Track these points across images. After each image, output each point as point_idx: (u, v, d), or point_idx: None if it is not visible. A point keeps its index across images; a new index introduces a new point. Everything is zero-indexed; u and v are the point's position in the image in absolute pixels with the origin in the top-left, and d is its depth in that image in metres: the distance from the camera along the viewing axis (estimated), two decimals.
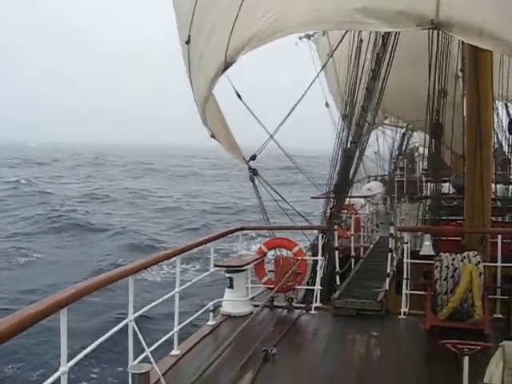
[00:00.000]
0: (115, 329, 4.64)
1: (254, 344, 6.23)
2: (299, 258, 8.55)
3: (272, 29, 6.35)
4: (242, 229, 8.93)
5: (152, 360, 4.95)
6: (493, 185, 10.91)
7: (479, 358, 4.35)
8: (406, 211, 14.54)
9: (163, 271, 20.93)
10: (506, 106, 19.41)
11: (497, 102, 18.99)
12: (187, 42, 8.59)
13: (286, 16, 6.32)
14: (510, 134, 11.44)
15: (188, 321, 6.68)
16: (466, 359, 4.36)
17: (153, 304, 5.67)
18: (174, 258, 6.24)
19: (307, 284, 9.50)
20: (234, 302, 7.94)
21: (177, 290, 6.22)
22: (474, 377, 4.27)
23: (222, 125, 9.49)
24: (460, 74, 15.14)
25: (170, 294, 6.18)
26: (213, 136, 9.57)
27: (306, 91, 10.08)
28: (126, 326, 4.86)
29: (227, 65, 7.14)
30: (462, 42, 13.23)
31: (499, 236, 8.02)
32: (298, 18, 6.29)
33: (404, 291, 7.88)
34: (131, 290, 4.97)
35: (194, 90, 8.86)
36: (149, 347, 5.06)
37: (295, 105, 10.22)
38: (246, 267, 8.12)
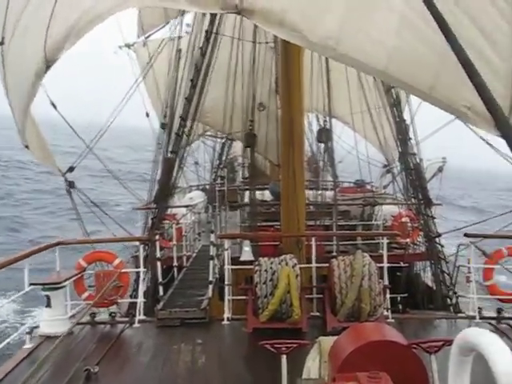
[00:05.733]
0: None
1: (75, 364, 5.91)
2: (120, 270, 8.30)
3: (88, 17, 6.06)
4: (58, 243, 8.40)
5: None
6: (306, 191, 11.59)
7: (298, 356, 4.53)
8: (226, 219, 14.87)
9: None
10: (317, 117, 20.85)
11: (309, 114, 20.46)
12: (1, 44, 7.91)
13: (99, 1, 6.06)
14: (319, 142, 12.32)
15: (0, 346, 6.11)
16: (284, 358, 4.54)
17: None
18: None
19: (130, 297, 9.25)
20: (52, 321, 7.44)
21: None
22: (293, 374, 4.44)
23: (36, 134, 8.86)
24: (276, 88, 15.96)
25: None
26: (27, 146, 8.89)
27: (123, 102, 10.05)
28: None
29: (48, 63, 6.71)
30: (277, 56, 14.01)
31: (313, 238, 8.52)
32: (110, 1, 6.05)
33: (226, 297, 8.02)
34: None
35: (12, 97, 8.17)
36: None
37: (112, 120, 10.16)
38: (64, 284, 7.66)
